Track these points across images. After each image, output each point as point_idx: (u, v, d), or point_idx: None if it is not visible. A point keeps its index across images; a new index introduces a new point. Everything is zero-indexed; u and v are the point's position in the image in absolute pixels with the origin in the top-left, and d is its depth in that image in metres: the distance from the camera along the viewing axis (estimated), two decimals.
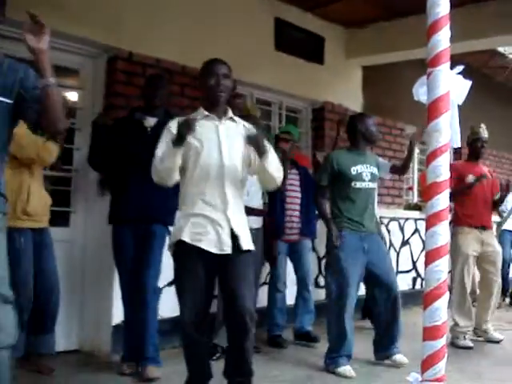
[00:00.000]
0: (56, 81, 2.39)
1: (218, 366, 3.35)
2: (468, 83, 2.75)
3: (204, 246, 3.13)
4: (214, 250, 3.14)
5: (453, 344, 5.32)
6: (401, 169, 5.36)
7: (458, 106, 2.75)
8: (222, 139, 3.22)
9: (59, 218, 4.54)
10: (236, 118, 3.37)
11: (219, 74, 3.23)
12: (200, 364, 3.29)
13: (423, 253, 2.33)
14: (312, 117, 6.92)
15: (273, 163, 3.23)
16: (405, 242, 7.70)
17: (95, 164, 4.37)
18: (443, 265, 2.24)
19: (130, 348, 4.22)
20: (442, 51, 2.31)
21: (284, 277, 5.44)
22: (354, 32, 6.97)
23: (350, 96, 7.14)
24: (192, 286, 3.16)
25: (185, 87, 5.14)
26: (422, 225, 7.57)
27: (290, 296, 5.71)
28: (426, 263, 2.24)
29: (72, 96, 4.82)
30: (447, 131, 2.29)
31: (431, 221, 2.23)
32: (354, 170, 4.55)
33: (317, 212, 4.94)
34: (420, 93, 2.72)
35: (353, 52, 7.03)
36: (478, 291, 6.06)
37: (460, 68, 2.71)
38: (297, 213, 5.42)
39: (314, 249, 5.88)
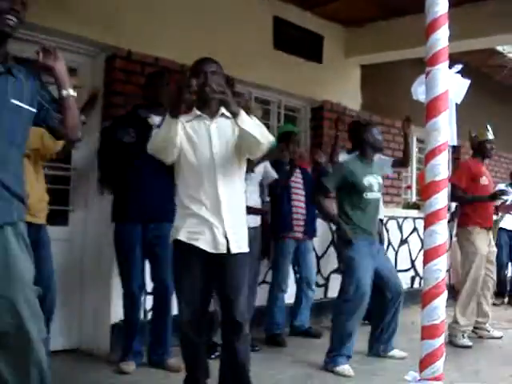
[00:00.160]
0: (73, 92, 2.53)
1: (216, 365, 3.35)
2: (466, 82, 2.75)
3: (200, 245, 3.14)
4: (209, 250, 3.14)
5: (451, 342, 5.32)
6: (402, 161, 5.48)
7: (457, 104, 2.75)
8: (214, 139, 3.21)
9: (58, 217, 4.54)
10: (229, 114, 3.36)
11: (207, 72, 3.20)
12: (198, 363, 3.30)
13: (422, 252, 2.34)
14: (311, 116, 6.92)
15: (249, 123, 3.11)
16: (403, 241, 7.71)
17: (104, 162, 4.43)
18: (442, 263, 2.24)
19: (131, 347, 4.26)
20: (440, 50, 2.31)
21: (288, 277, 5.46)
22: (353, 31, 6.97)
23: (348, 95, 7.14)
24: (189, 285, 3.17)
25: None
26: (420, 224, 7.58)
27: (288, 295, 5.72)
28: (425, 262, 2.24)
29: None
30: (446, 130, 2.29)
31: (430, 219, 2.23)
32: (366, 181, 4.62)
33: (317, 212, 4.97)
34: (419, 92, 2.72)
35: (352, 51, 7.03)
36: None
37: (458, 67, 2.70)
38: (303, 211, 5.50)
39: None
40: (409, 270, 7.81)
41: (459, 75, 2.73)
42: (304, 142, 6.79)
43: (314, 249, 5.92)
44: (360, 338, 5.13)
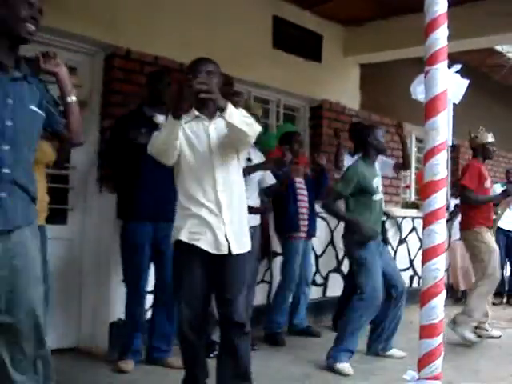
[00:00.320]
0: (76, 97, 2.62)
1: (214, 364, 3.35)
2: (465, 82, 2.76)
3: (201, 245, 3.14)
4: (211, 250, 3.15)
5: (455, 332, 5.37)
6: (403, 165, 5.54)
7: (455, 104, 2.76)
8: (212, 140, 3.21)
9: (57, 216, 4.53)
10: None
11: (202, 71, 3.21)
12: (197, 363, 3.29)
13: (420, 251, 2.34)
14: (310, 115, 6.92)
15: (236, 116, 3.07)
16: (402, 241, 7.71)
17: (113, 161, 4.46)
18: (440, 263, 2.24)
19: (131, 345, 4.26)
20: (439, 49, 2.31)
21: (297, 277, 5.50)
22: (352, 30, 6.97)
23: (347, 94, 7.14)
24: (190, 285, 3.17)
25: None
26: (419, 223, 7.58)
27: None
28: (423, 261, 2.25)
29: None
30: (445, 129, 2.29)
31: (428, 219, 2.23)
32: (375, 184, 4.71)
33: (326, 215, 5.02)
34: (418, 91, 2.73)
35: (351, 50, 7.03)
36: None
37: (458, 67, 2.72)
38: (307, 211, 5.55)
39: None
40: (407, 269, 7.81)
41: (458, 75, 2.73)
42: (303, 141, 6.79)
43: (312, 248, 5.94)
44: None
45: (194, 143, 3.20)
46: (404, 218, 7.75)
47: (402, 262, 7.66)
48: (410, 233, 7.85)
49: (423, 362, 2.23)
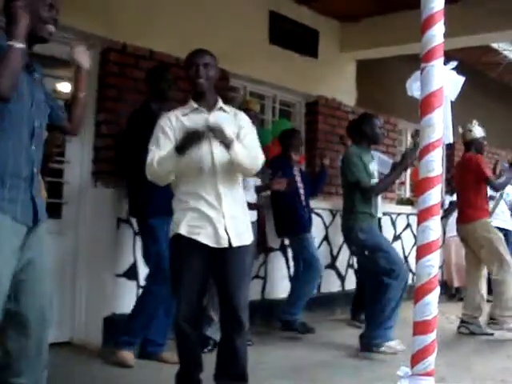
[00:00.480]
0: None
1: (207, 358, 3.36)
2: (461, 79, 2.75)
3: (201, 239, 3.13)
4: (211, 244, 3.14)
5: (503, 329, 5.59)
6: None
7: (451, 102, 2.75)
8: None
9: (51, 210, 4.52)
10: (227, 108, 3.35)
11: (199, 64, 3.22)
12: (192, 357, 3.29)
13: (415, 248, 2.34)
14: (305, 111, 6.92)
15: (241, 154, 3.12)
16: (396, 237, 7.73)
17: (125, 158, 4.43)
18: (435, 260, 2.24)
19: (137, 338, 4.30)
20: (435, 46, 2.31)
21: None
22: (349, 26, 6.96)
23: (343, 90, 7.14)
24: (189, 280, 3.15)
25: (179, 80, 5.10)
26: (414, 220, 7.60)
27: (282, 289, 5.74)
28: (418, 258, 2.25)
29: (65, 87, 4.79)
30: (440, 126, 2.29)
31: (423, 215, 2.23)
32: (372, 168, 4.80)
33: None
34: (413, 88, 2.71)
35: (347, 46, 7.03)
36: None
37: (453, 64, 2.70)
38: (305, 208, 5.65)
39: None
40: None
41: (454, 72, 2.73)
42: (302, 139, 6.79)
43: None
44: (352, 332, 5.16)
45: None
46: (399, 214, 7.77)
47: None
48: (404, 229, 7.87)
49: (416, 358, 2.23)
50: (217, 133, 3.06)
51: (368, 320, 4.90)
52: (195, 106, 3.26)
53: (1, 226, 2.26)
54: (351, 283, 6.90)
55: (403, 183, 8.58)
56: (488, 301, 5.93)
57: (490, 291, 6.03)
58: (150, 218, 4.23)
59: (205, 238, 3.13)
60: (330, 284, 6.62)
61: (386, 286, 4.68)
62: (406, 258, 7.84)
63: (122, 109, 4.74)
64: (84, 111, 2.76)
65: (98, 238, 4.69)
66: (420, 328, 2.22)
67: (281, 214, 5.56)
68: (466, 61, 7.99)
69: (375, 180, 4.87)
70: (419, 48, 2.36)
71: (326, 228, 6.65)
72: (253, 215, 4.95)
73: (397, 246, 7.66)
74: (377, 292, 4.76)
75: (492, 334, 5.73)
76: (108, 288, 4.67)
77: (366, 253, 4.80)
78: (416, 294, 2.25)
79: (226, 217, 3.16)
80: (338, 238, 6.64)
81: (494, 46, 8.27)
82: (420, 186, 2.28)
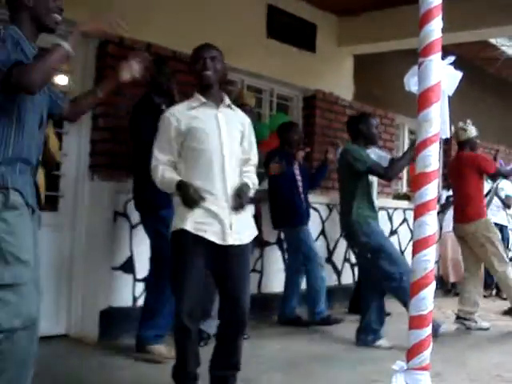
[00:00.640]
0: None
1: (203, 352, 3.36)
2: (459, 74, 2.74)
3: (208, 236, 3.11)
4: (217, 241, 3.12)
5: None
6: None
7: (449, 96, 2.75)
8: (222, 128, 3.19)
9: (48, 203, 4.52)
10: (233, 106, 3.36)
11: (206, 58, 3.22)
12: (191, 352, 3.26)
13: (411, 242, 2.34)
14: (303, 105, 6.92)
15: (253, 181, 3.34)
16: (393, 232, 7.74)
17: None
18: (431, 254, 2.24)
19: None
20: (433, 41, 2.30)
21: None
22: (347, 20, 6.95)
23: (341, 85, 7.14)
24: (192, 277, 3.13)
25: (176, 73, 5.09)
26: (410, 215, 7.60)
27: (278, 283, 5.75)
28: (414, 253, 2.25)
29: (62, 80, 4.78)
30: (437, 121, 2.29)
31: (419, 210, 2.23)
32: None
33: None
34: (411, 83, 2.71)
35: (345, 40, 7.02)
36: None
37: (451, 58, 2.70)
38: (303, 201, 5.69)
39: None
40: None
41: (452, 67, 2.73)
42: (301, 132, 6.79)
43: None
44: (348, 326, 5.17)
45: (203, 131, 3.16)
46: (395, 209, 7.78)
47: None
48: (400, 224, 7.88)
49: (412, 352, 2.24)
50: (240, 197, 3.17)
51: (365, 315, 4.92)
52: (203, 100, 3.23)
53: (22, 211, 2.27)
54: (348, 277, 6.92)
55: (400, 178, 8.58)
56: (483, 296, 5.96)
57: (485, 286, 6.07)
58: (161, 210, 4.20)
59: (212, 235, 3.11)
60: (327, 278, 6.62)
61: (391, 292, 4.76)
62: (402, 252, 7.85)
63: (119, 102, 4.73)
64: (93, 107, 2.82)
65: (94, 231, 4.69)
66: (416, 322, 2.23)
67: (278, 206, 5.56)
68: (465, 56, 8.00)
69: (372, 177, 4.91)
70: (417, 43, 2.35)
71: (323, 222, 6.66)
72: (250, 209, 4.98)
73: (393, 240, 7.68)
74: (378, 293, 4.80)
75: (487, 329, 5.75)
76: (104, 281, 4.68)
77: (369, 255, 4.81)
78: (412, 288, 2.25)
79: (232, 213, 3.15)
80: (334, 232, 6.66)
81: (492, 41, 8.27)
82: (417, 181, 2.28)
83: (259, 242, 5.65)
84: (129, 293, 4.83)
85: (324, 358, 4.52)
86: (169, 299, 4.27)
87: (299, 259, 5.64)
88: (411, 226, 7.55)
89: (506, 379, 4.11)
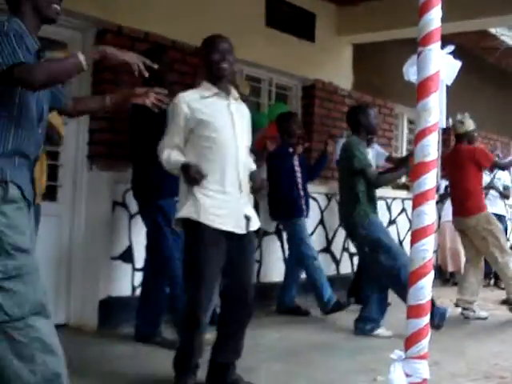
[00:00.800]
0: None
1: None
2: (458, 64, 2.74)
3: (223, 226, 3.14)
4: (232, 230, 3.16)
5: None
6: (398, 162, 5.70)
7: (448, 86, 2.75)
8: (236, 119, 3.23)
9: (46, 193, 4.52)
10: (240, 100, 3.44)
11: (224, 49, 3.26)
12: (198, 342, 3.26)
13: (410, 232, 2.35)
14: (302, 94, 6.90)
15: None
16: (392, 222, 7.74)
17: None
18: (429, 244, 2.24)
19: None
20: (433, 30, 2.29)
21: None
22: (346, 9, 6.92)
23: (340, 74, 7.12)
24: (210, 269, 3.13)
25: (174, 62, 5.08)
26: (409, 204, 7.60)
27: (277, 272, 5.75)
28: (412, 242, 2.25)
29: None
30: (436, 111, 2.29)
31: (418, 200, 2.23)
32: (371, 158, 4.94)
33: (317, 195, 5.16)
34: (410, 72, 2.71)
35: (344, 30, 6.99)
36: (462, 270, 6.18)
37: (451, 48, 2.70)
38: (303, 191, 5.68)
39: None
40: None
41: (451, 56, 2.72)
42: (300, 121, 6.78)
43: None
44: (347, 315, 5.19)
45: (217, 122, 3.18)
46: (394, 199, 7.78)
47: None
48: (399, 214, 7.88)
49: (410, 341, 2.24)
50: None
51: (365, 305, 4.93)
52: (216, 90, 3.25)
53: (20, 203, 2.26)
54: (346, 267, 6.94)
55: None
56: (482, 286, 5.98)
57: (484, 276, 6.09)
58: (160, 199, 4.20)
59: (227, 224, 3.15)
60: (326, 268, 6.63)
61: (388, 286, 4.79)
62: (401, 242, 7.87)
63: (117, 91, 4.70)
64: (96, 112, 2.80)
65: (93, 220, 4.69)
66: (414, 312, 2.23)
67: (276, 197, 5.56)
68: (464, 45, 7.98)
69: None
70: (416, 32, 2.34)
71: (322, 212, 6.67)
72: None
73: (392, 230, 7.70)
74: (379, 284, 4.81)
75: (486, 319, 5.77)
76: (104, 271, 4.69)
77: (366, 249, 4.82)
78: (410, 278, 2.25)
79: (243, 202, 3.21)
80: (333, 222, 6.66)
81: (492, 30, 8.24)
82: (415, 171, 2.28)
83: (257, 232, 5.67)
84: (128, 282, 4.84)
85: (323, 346, 4.54)
86: (165, 289, 4.29)
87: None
88: (410, 216, 7.57)
89: (504, 368, 4.13)
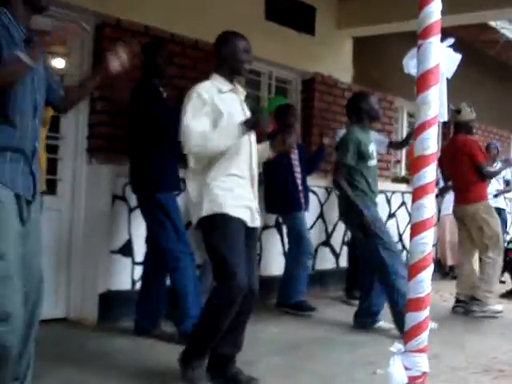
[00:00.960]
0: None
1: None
2: (458, 57, 2.73)
3: (243, 217, 3.22)
4: (248, 222, 3.24)
5: (482, 312, 5.65)
6: (399, 145, 5.59)
7: (448, 79, 2.73)
8: (248, 113, 3.32)
9: (46, 186, 4.51)
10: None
11: (249, 50, 3.36)
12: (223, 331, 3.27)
13: (409, 226, 2.35)
14: (302, 88, 6.89)
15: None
16: (391, 215, 7.75)
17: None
18: (429, 237, 2.24)
19: None
20: (433, 23, 2.28)
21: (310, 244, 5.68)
22: (346, 3, 6.90)
23: (340, 67, 7.10)
24: (243, 256, 3.18)
25: (174, 56, 5.06)
26: (408, 198, 7.61)
27: (277, 266, 5.76)
28: (412, 235, 2.25)
29: (59, 63, 4.76)
30: (436, 104, 2.28)
31: (418, 193, 2.23)
32: (371, 150, 4.77)
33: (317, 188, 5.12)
34: (410, 65, 2.69)
35: (344, 23, 6.97)
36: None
37: (451, 41, 2.68)
38: (301, 185, 5.64)
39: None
40: (396, 243, 7.85)
41: (451, 49, 2.71)
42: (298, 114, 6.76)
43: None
44: (347, 309, 5.20)
45: (236, 117, 3.21)
46: (394, 192, 7.78)
47: None
48: (399, 207, 7.88)
49: (410, 334, 2.24)
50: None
51: (364, 299, 4.93)
52: (231, 86, 3.33)
53: (5, 203, 2.25)
54: (345, 260, 6.93)
55: (399, 161, 8.58)
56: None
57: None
58: (158, 193, 4.20)
59: (245, 218, 3.23)
60: (325, 261, 6.65)
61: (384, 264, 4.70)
62: (400, 235, 7.88)
63: (117, 85, 4.69)
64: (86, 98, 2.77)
65: (93, 214, 4.69)
66: (413, 305, 2.23)
67: (273, 190, 5.54)
68: (464, 38, 7.96)
69: (374, 161, 4.85)
70: (416, 25, 2.34)
71: (321, 205, 6.66)
72: None
73: (391, 223, 7.71)
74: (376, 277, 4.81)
75: (485, 312, 5.77)
76: (103, 264, 4.69)
77: (360, 234, 4.79)
78: (410, 271, 2.25)
79: (255, 198, 3.31)
80: (332, 215, 6.66)
81: (492, 24, 8.23)
82: (415, 164, 2.28)
83: None
84: (127, 276, 4.84)
85: (323, 340, 4.55)
86: (165, 283, 4.30)
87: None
88: (409, 210, 7.57)
89: (503, 361, 4.14)
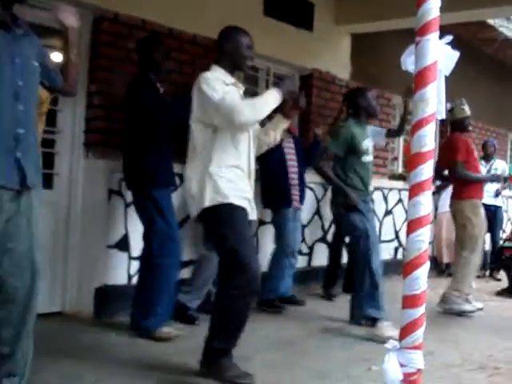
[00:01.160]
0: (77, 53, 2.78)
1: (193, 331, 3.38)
2: (456, 54, 2.72)
3: (246, 207, 3.27)
4: (249, 213, 3.30)
5: (451, 310, 5.61)
6: (396, 131, 5.57)
7: (445, 77, 2.73)
8: None
9: (43, 180, 4.50)
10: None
11: (252, 47, 3.40)
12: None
13: (406, 223, 2.35)
14: (300, 84, 6.88)
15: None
16: (388, 212, 7.76)
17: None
18: (425, 235, 2.24)
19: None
20: (431, 20, 2.28)
21: (291, 243, 5.56)
22: None
23: (338, 64, 7.10)
24: (253, 243, 3.31)
25: (171, 51, 5.05)
26: (405, 195, 7.60)
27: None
28: (408, 232, 2.25)
29: (56, 56, 4.74)
30: (434, 101, 2.28)
31: (414, 190, 2.23)
32: (364, 145, 4.74)
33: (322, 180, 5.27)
34: (408, 62, 2.69)
35: (342, 19, 6.96)
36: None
37: (449, 38, 2.68)
38: (297, 181, 5.58)
39: None
40: (392, 240, 7.87)
41: (449, 47, 2.70)
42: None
43: None
44: (342, 305, 5.20)
45: None
46: (390, 189, 7.79)
47: (387, 233, 7.73)
48: (396, 204, 7.89)
49: (405, 331, 2.24)
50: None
51: (359, 293, 4.93)
52: (233, 79, 3.37)
53: None
54: (343, 257, 6.93)
55: (396, 158, 8.59)
56: (477, 276, 5.98)
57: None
58: (152, 189, 4.20)
59: (245, 206, 3.28)
60: (321, 258, 6.65)
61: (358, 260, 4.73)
62: (397, 232, 7.89)
63: (114, 79, 4.70)
64: (78, 71, 2.79)
65: (89, 209, 4.69)
66: (409, 302, 2.23)
67: (266, 185, 5.51)
68: (462, 36, 7.96)
69: (370, 157, 4.84)
70: (415, 22, 2.33)
71: (318, 202, 6.66)
72: None
73: (388, 220, 7.72)
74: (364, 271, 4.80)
75: (481, 309, 5.78)
76: (100, 259, 4.69)
77: (342, 210, 4.77)
78: (406, 268, 2.25)
79: (251, 190, 3.35)
80: (329, 212, 6.64)
81: (490, 22, 8.23)
82: (412, 161, 2.27)
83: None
84: (124, 271, 4.84)
85: (318, 336, 4.56)
86: (162, 278, 4.29)
87: (292, 237, 5.62)
88: (406, 207, 7.58)
89: (499, 359, 4.15)
